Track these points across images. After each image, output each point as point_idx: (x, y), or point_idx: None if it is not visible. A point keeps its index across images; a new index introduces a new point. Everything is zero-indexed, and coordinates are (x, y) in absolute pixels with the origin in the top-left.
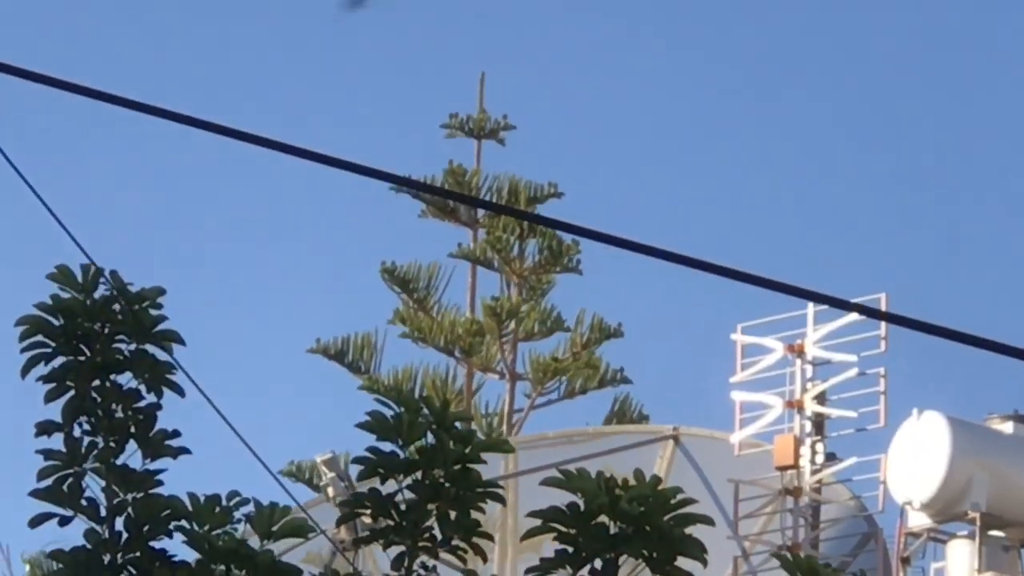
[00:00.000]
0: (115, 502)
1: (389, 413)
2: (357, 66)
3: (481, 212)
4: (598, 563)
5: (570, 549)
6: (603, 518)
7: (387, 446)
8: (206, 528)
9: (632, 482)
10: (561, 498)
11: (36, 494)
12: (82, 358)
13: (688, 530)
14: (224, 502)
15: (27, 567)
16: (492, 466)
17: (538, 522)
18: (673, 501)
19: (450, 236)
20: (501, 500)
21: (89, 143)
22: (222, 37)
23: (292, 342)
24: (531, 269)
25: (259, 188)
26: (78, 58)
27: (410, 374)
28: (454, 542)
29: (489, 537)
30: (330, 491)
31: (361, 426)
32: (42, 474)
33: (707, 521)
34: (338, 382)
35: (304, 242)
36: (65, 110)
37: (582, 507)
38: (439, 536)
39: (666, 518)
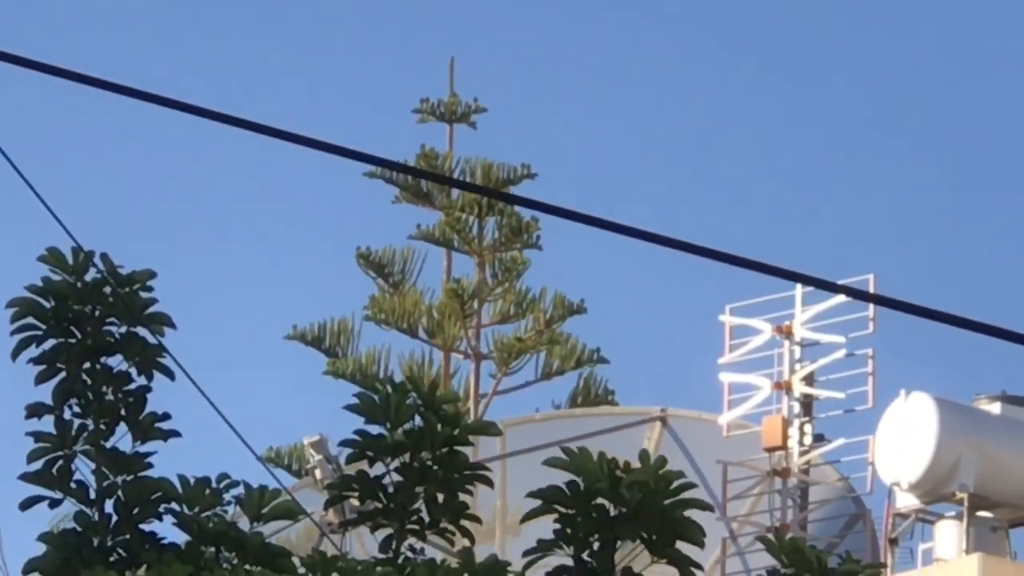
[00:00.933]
0: (105, 484)
1: (377, 396)
2: (327, 52)
3: (456, 194)
4: (596, 545)
5: (569, 530)
6: (602, 499)
7: (375, 428)
8: (196, 510)
9: (635, 464)
10: (556, 478)
11: (26, 477)
12: (72, 340)
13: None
14: (214, 484)
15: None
16: (480, 447)
17: (537, 502)
18: (674, 486)
19: (424, 220)
20: (489, 483)
21: (59, 128)
22: (192, 21)
23: (269, 329)
24: (491, 247)
25: (233, 175)
26: (40, 36)
27: (375, 357)
28: (442, 524)
29: (477, 520)
30: (317, 473)
31: (349, 408)
32: (32, 456)
33: (706, 507)
34: (316, 368)
35: (279, 228)
36: (39, 94)
37: (582, 487)
38: (427, 519)
39: (666, 502)
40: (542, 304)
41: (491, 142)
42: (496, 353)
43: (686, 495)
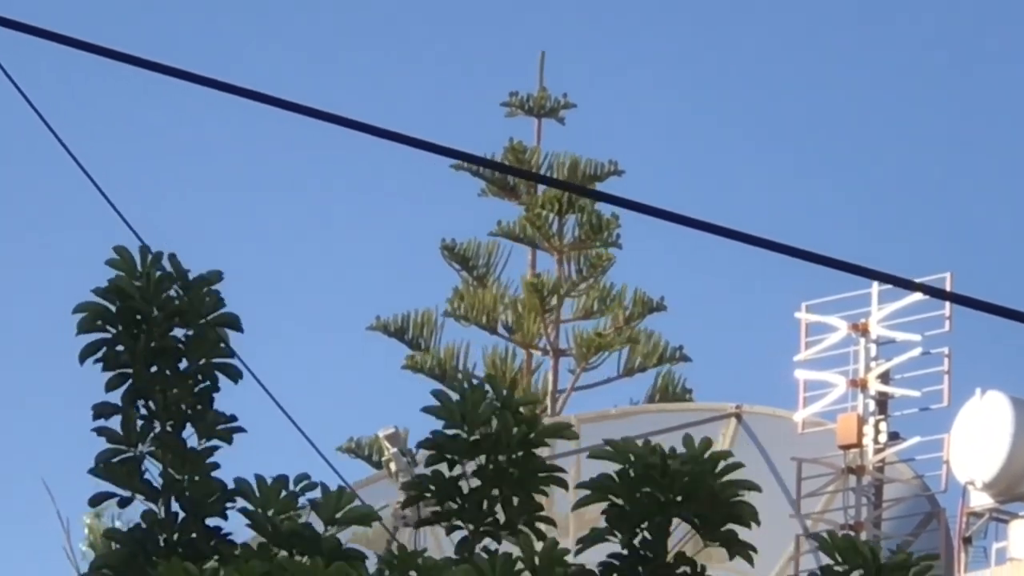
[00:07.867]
0: (172, 483)
1: (455, 396)
2: (417, 44)
3: (541, 190)
4: (647, 532)
5: (619, 518)
6: (653, 487)
7: (451, 429)
8: (271, 512)
9: (681, 450)
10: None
11: (95, 473)
12: (139, 341)
13: (752, 503)
14: (292, 485)
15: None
16: (556, 443)
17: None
18: (722, 465)
19: (510, 214)
20: (564, 485)
21: (149, 120)
22: (282, 14)
23: (353, 319)
24: (571, 245)
25: (320, 165)
26: (133, 30)
27: (454, 352)
28: (517, 526)
29: (551, 522)
30: (392, 466)
31: (427, 410)
32: (101, 456)
33: (754, 487)
34: (398, 359)
35: (365, 219)
36: (122, 86)
37: (632, 475)
38: (502, 520)
39: (717, 482)
40: (622, 301)
41: (578, 139)
42: (575, 348)
43: (734, 476)
